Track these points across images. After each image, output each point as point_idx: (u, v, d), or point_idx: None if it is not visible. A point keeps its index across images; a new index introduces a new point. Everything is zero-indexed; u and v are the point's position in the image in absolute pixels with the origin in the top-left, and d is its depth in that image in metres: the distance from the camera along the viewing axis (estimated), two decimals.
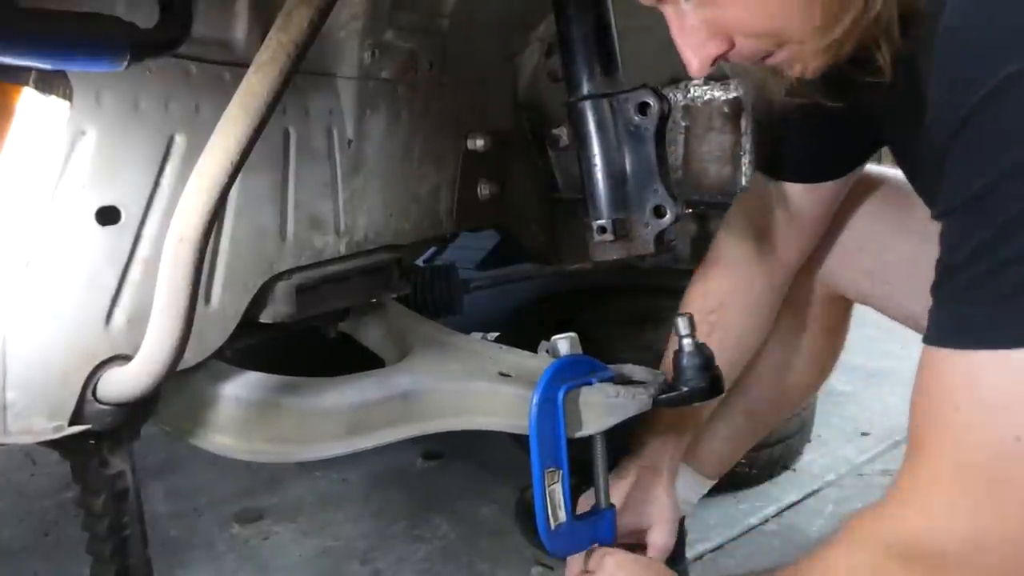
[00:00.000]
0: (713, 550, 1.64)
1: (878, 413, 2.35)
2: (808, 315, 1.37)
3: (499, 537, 1.68)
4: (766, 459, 1.88)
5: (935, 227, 1.17)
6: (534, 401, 1.06)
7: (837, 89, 0.95)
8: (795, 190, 1.22)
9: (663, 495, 1.27)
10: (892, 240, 1.26)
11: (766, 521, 1.76)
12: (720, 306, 1.27)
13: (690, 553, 1.55)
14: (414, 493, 1.89)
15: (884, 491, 0.82)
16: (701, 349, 1.08)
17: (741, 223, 1.30)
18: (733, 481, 1.83)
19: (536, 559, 1.59)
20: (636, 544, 1.25)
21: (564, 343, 1.14)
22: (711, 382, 1.08)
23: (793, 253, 1.29)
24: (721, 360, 1.15)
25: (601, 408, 1.11)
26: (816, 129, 1.15)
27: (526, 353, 1.23)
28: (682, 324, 1.08)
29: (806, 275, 1.33)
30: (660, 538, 1.26)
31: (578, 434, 1.12)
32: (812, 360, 1.41)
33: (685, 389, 1.09)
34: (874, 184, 1.29)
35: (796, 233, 1.27)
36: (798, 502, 1.83)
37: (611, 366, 1.15)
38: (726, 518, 1.74)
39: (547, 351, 1.16)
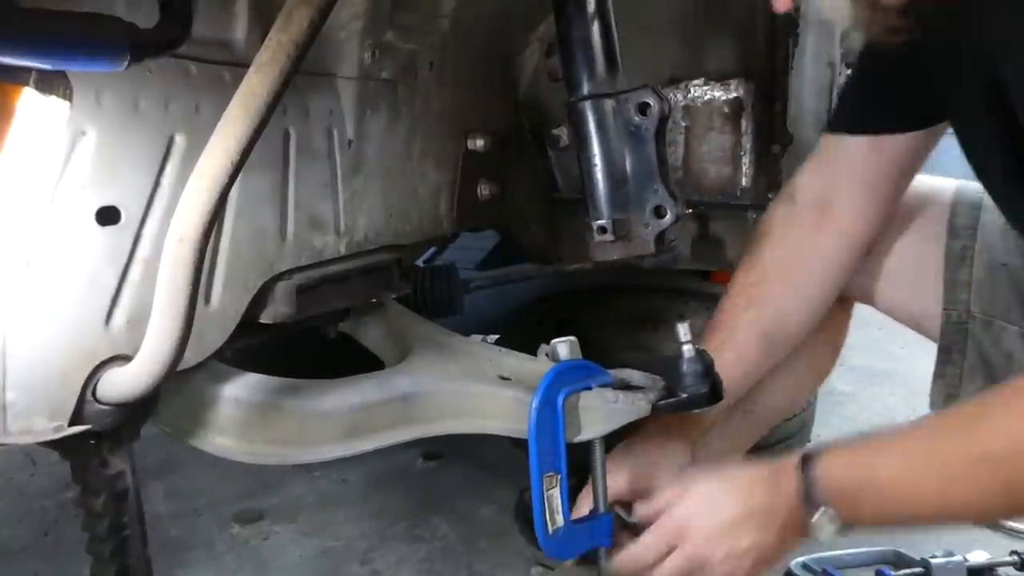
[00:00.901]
0: None
1: (878, 413, 2.35)
2: None
3: (499, 537, 1.68)
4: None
5: (941, 226, 1.18)
6: (534, 406, 1.06)
7: (930, 26, 0.92)
8: (861, 148, 1.18)
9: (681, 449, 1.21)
10: (902, 241, 1.25)
11: None
12: (763, 279, 1.22)
13: None
14: (414, 493, 1.89)
15: None
16: (701, 355, 1.08)
17: (799, 190, 1.24)
18: None
19: (536, 559, 1.58)
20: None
21: (564, 347, 1.14)
22: (711, 388, 1.08)
23: (859, 221, 1.22)
24: (753, 334, 1.14)
25: (600, 413, 1.11)
26: (888, 76, 1.12)
27: (526, 356, 1.23)
28: (681, 330, 1.08)
29: None
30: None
31: (577, 439, 1.12)
32: (812, 360, 1.39)
33: (685, 395, 1.08)
34: None
35: (861, 199, 1.20)
36: None
37: (611, 371, 1.15)
38: None
39: (547, 354, 1.16)
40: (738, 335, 1.21)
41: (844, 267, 1.25)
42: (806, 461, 0.97)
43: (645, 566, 1.06)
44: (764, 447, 1.84)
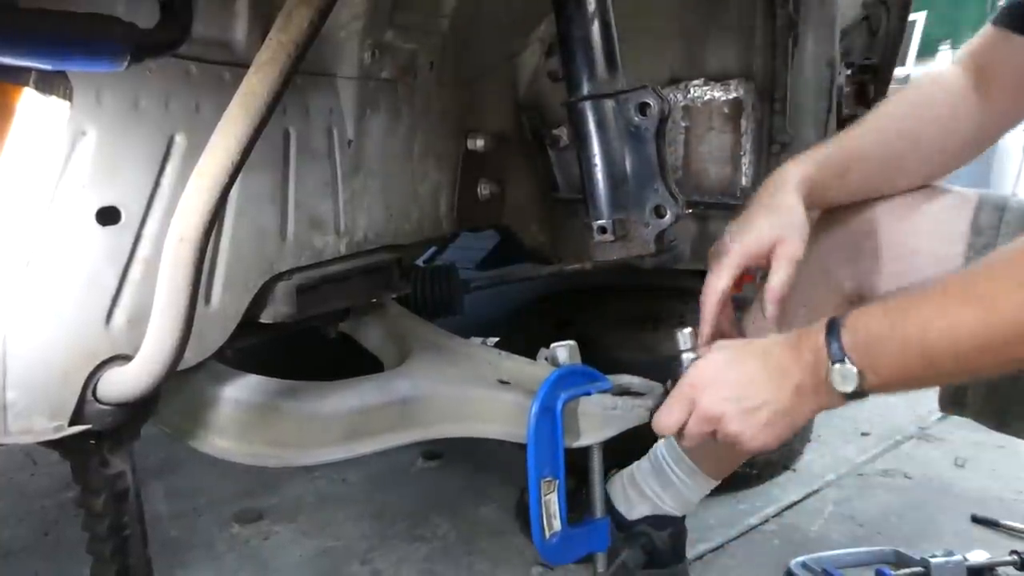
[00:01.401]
0: (713, 550, 1.64)
1: (878, 413, 2.35)
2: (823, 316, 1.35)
3: (499, 537, 1.68)
4: (767, 459, 1.88)
5: (965, 227, 1.17)
6: (533, 411, 1.07)
7: None
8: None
9: (793, 202, 1.14)
10: (925, 241, 1.24)
11: (766, 521, 1.76)
12: (917, 120, 1.22)
13: (690, 553, 1.55)
14: (414, 493, 1.89)
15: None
16: None
17: (955, 68, 1.24)
18: (733, 481, 1.83)
19: (536, 559, 1.59)
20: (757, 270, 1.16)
21: (563, 351, 1.15)
22: None
23: (1007, 110, 1.22)
24: (905, 147, 1.17)
25: (599, 419, 1.12)
26: None
27: (525, 360, 1.23)
28: (681, 339, 1.08)
29: (826, 276, 1.32)
30: (791, 248, 1.12)
31: (575, 444, 1.12)
32: None
33: None
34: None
35: (1014, 92, 1.20)
36: (798, 502, 1.83)
37: (609, 376, 1.15)
38: (726, 518, 1.74)
39: (546, 359, 1.16)
40: (889, 138, 1.21)
41: (986, 139, 1.25)
42: (834, 320, 0.95)
43: (672, 429, 1.05)
44: None
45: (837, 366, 0.93)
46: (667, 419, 1.05)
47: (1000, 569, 1.51)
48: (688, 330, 1.09)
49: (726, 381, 1.00)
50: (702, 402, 1.01)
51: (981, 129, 1.25)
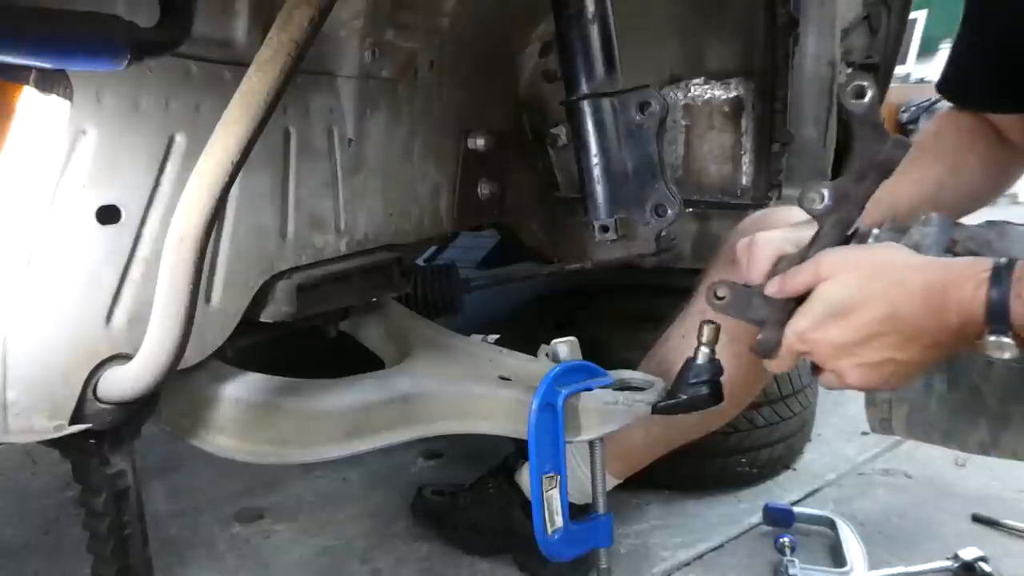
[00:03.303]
0: (714, 549, 1.63)
1: None
2: (739, 348, 1.33)
3: None
4: (767, 458, 1.88)
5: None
6: (533, 406, 1.07)
7: None
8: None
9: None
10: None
11: None
12: (938, 189, 1.19)
13: (690, 553, 1.55)
14: (415, 492, 1.89)
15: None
16: (713, 361, 1.07)
17: (947, 117, 1.25)
18: (734, 481, 1.83)
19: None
20: None
21: (564, 347, 1.15)
22: (712, 389, 1.08)
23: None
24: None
25: (599, 414, 1.12)
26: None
27: (526, 356, 1.23)
28: (707, 331, 1.06)
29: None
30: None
31: (576, 439, 1.12)
32: (731, 393, 1.21)
33: (684, 396, 1.08)
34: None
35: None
36: (798, 501, 1.83)
37: (610, 372, 1.15)
38: (726, 517, 1.74)
39: (547, 355, 1.16)
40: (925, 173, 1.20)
41: (1005, 178, 1.26)
42: (1001, 271, 0.79)
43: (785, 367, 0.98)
44: (766, 445, 1.84)
45: (993, 338, 0.80)
46: (782, 365, 0.95)
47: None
48: (716, 324, 1.05)
49: (841, 334, 0.89)
50: (815, 354, 0.91)
51: (999, 177, 1.26)
